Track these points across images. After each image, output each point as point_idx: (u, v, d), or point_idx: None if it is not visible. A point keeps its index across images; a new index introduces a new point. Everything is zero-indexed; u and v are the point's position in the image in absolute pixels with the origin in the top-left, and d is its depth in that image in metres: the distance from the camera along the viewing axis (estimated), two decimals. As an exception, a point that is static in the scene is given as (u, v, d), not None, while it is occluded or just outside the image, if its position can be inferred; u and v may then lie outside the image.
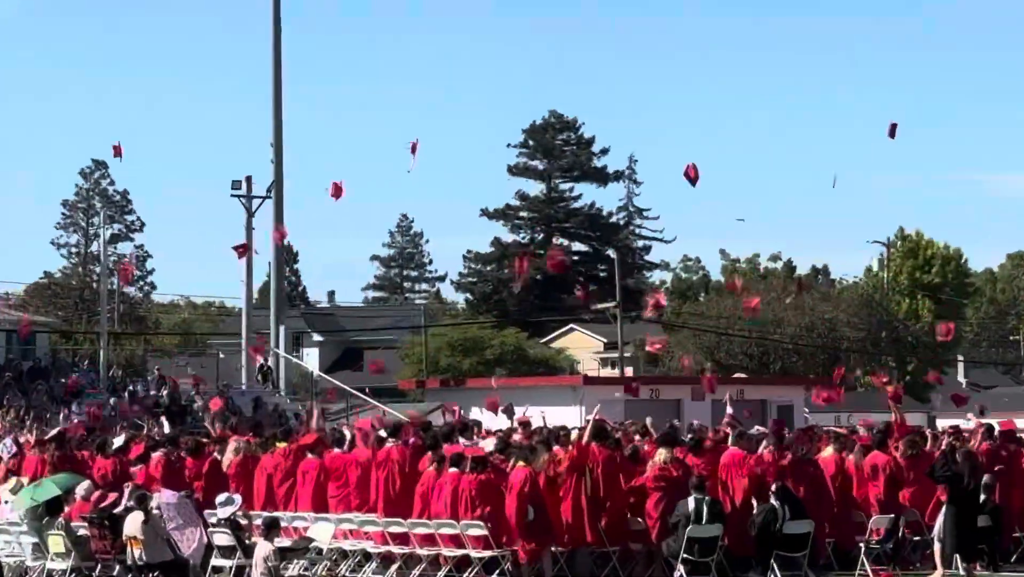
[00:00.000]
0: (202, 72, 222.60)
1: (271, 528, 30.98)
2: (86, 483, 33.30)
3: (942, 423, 42.93)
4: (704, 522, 31.16)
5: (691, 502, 31.25)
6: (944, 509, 32.51)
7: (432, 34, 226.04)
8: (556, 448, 33.26)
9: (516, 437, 35.49)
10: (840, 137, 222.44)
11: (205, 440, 38.28)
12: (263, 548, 30.32)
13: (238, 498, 33.20)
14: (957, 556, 32.22)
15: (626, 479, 32.72)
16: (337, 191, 49.27)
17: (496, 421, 44.05)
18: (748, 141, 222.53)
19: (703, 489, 31.61)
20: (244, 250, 68.22)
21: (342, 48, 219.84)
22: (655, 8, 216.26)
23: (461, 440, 35.12)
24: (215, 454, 36.67)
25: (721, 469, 33.53)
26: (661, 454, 32.88)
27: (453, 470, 32.38)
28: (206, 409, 60.23)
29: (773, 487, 32.43)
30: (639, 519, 32.48)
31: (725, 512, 31.97)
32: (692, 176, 39.07)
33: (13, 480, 34.42)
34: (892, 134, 41.87)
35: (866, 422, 39.42)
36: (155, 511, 30.45)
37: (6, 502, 33.78)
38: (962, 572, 31.97)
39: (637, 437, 35.87)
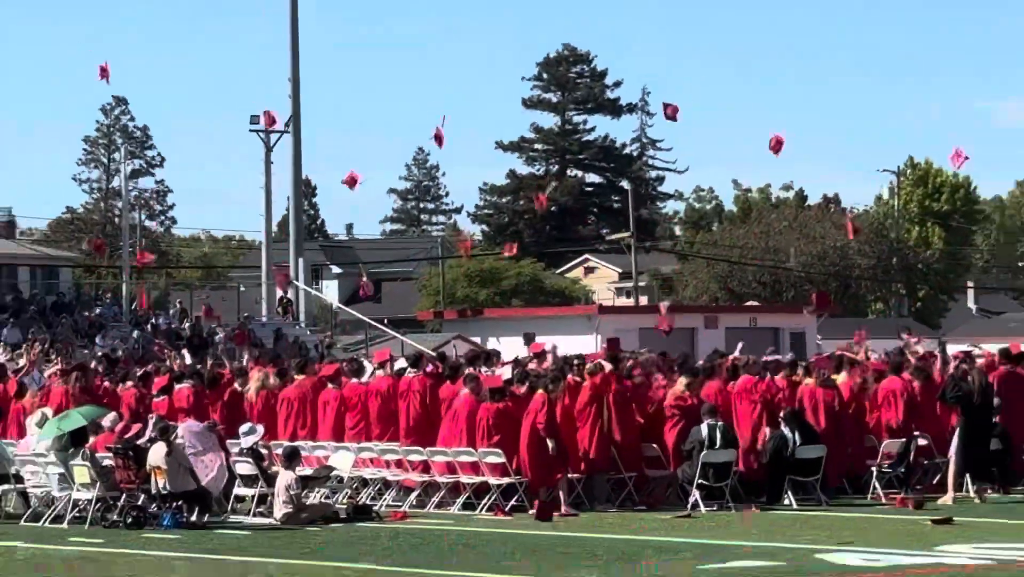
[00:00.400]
0: (220, 7, 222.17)
1: (292, 457, 31.13)
2: (111, 414, 33.37)
3: (953, 348, 42.77)
4: (718, 447, 31.25)
5: (704, 428, 31.32)
6: (956, 430, 32.59)
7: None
8: (570, 376, 33.36)
9: (531, 366, 35.55)
10: (850, 67, 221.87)
11: (221, 372, 38.34)
12: (285, 477, 30.48)
13: (260, 428, 33.26)
14: (968, 478, 32.30)
15: (638, 407, 32.86)
16: (352, 180, 50.07)
17: (515, 351, 44.05)
18: (759, 72, 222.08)
19: (716, 415, 31.68)
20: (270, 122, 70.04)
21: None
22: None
23: (482, 369, 35.20)
24: (235, 385, 36.84)
25: (734, 396, 33.64)
26: (681, 382, 32.99)
27: (465, 392, 32.63)
28: (225, 341, 60.44)
29: (782, 413, 32.56)
30: (653, 445, 32.59)
31: (738, 438, 32.08)
32: (671, 114, 40.63)
33: (39, 412, 34.51)
34: (776, 150, 42.47)
35: (819, 358, 39.13)
36: (178, 441, 30.57)
37: (32, 434, 33.87)
38: (972, 494, 32.03)
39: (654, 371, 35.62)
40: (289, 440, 33.80)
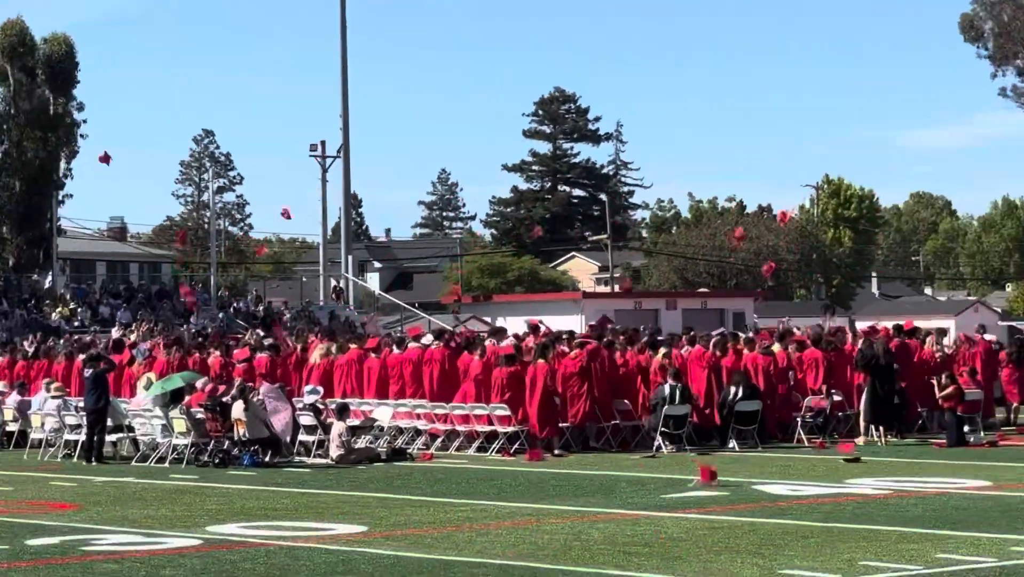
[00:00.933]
0: (286, 59, 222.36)
1: (343, 411, 31.20)
2: (202, 378, 33.42)
3: (861, 324, 42.81)
4: (677, 403, 31.24)
5: (667, 388, 31.30)
6: (865, 389, 32.63)
7: (462, 26, 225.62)
8: (561, 347, 33.43)
9: (529, 340, 35.53)
10: (781, 103, 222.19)
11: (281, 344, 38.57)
12: (337, 427, 30.52)
13: (320, 389, 33.44)
14: (873, 426, 32.34)
15: (611, 370, 32.80)
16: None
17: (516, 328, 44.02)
18: (709, 108, 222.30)
19: (678, 377, 31.68)
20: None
21: (397, 42, 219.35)
22: (638, 8, 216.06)
23: (491, 341, 35.19)
24: (297, 354, 37.02)
25: (689, 363, 33.65)
26: (661, 353, 33.09)
27: (478, 358, 32.70)
28: (290, 321, 60.56)
29: (731, 375, 32.61)
30: (625, 401, 32.57)
31: (693, 395, 32.06)
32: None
33: (146, 377, 34.57)
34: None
35: (763, 333, 39.11)
36: (256, 399, 30.62)
37: (141, 393, 33.91)
38: (876, 439, 32.06)
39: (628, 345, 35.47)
40: (341, 398, 33.84)
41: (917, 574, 15.11)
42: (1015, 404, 36.98)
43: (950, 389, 31.83)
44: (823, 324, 38.38)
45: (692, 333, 36.45)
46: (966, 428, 32.41)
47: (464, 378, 33.01)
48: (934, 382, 33.30)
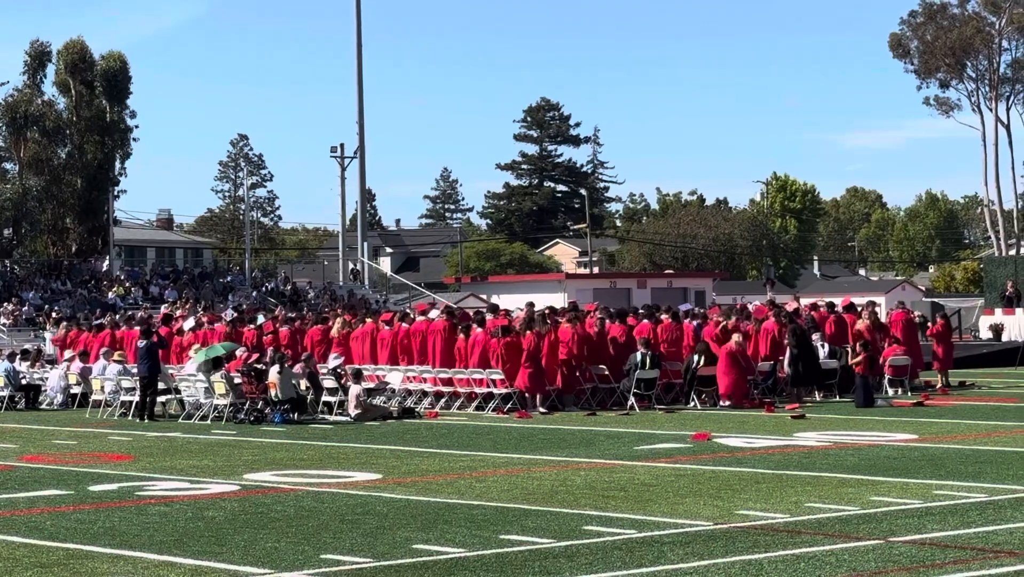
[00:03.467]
0: (308, 74, 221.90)
1: (358, 376, 31.14)
2: (239, 347, 33.42)
3: (805, 300, 42.78)
4: (648, 368, 31.24)
5: (639, 355, 31.30)
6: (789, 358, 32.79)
7: (462, 45, 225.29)
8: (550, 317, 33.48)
9: (518, 314, 35.50)
10: (736, 109, 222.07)
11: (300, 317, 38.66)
12: (354, 389, 30.47)
13: (341, 357, 33.43)
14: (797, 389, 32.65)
15: (588, 343, 32.61)
16: None
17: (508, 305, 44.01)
18: (675, 114, 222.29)
19: (648, 346, 31.65)
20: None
21: (406, 58, 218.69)
22: (614, 24, 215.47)
23: (490, 316, 35.17)
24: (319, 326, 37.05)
25: (660, 333, 33.61)
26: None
27: (479, 330, 32.64)
28: (314, 299, 60.40)
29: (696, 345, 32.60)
30: (602, 366, 32.49)
31: (662, 361, 32.02)
32: None
33: (195, 346, 34.60)
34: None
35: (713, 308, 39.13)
36: (287, 365, 30.60)
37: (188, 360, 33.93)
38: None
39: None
40: (359, 364, 33.79)
41: (854, 514, 15.13)
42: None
43: (860, 356, 31.39)
44: (769, 296, 38.30)
45: (667, 306, 36.27)
46: (890, 390, 32.41)
47: (470, 349, 32.80)
48: (847, 349, 33.09)
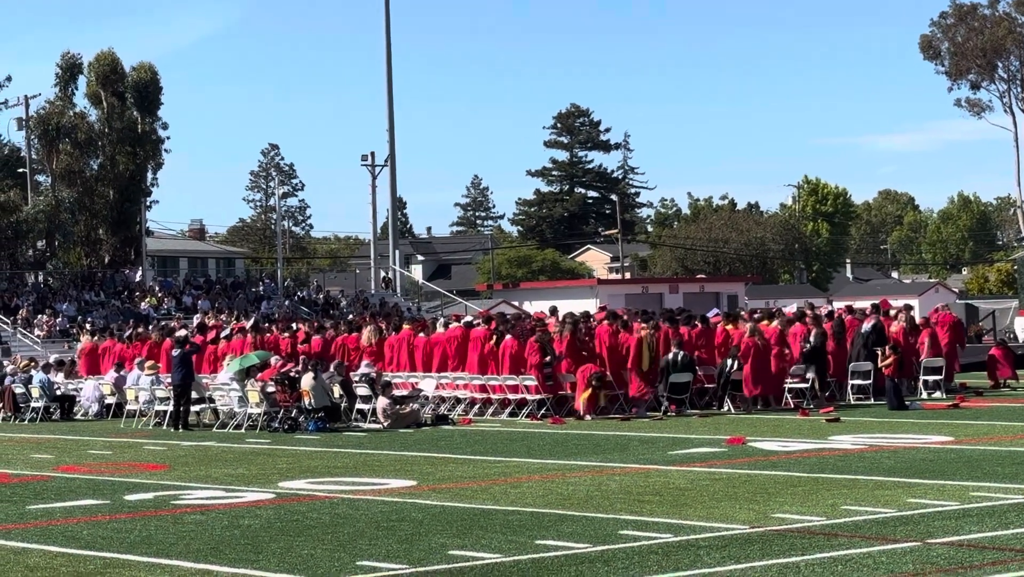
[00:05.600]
0: (339, 83, 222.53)
1: (387, 387, 31.12)
2: (274, 356, 33.52)
3: (839, 304, 42.67)
4: (680, 370, 31.17)
5: (670, 356, 31.28)
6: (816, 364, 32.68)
7: (492, 53, 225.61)
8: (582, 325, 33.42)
9: (550, 320, 35.48)
10: (766, 113, 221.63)
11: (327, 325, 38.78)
12: (382, 401, 30.43)
13: (374, 366, 33.49)
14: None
15: (622, 346, 32.55)
16: None
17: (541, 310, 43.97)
18: (706, 119, 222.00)
19: (681, 347, 31.61)
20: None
21: (437, 67, 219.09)
22: (643, 30, 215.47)
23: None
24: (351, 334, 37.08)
25: (694, 337, 33.50)
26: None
27: (509, 337, 32.66)
28: (347, 307, 60.48)
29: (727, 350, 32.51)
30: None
31: (695, 364, 31.94)
32: None
33: (228, 356, 34.70)
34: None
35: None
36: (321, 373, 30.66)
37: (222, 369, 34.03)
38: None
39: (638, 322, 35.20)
40: (393, 372, 33.82)
41: (891, 516, 15.06)
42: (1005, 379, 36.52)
43: (890, 359, 31.15)
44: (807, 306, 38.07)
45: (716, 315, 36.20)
46: (924, 393, 32.23)
47: (501, 355, 32.76)
48: (878, 352, 32.76)
